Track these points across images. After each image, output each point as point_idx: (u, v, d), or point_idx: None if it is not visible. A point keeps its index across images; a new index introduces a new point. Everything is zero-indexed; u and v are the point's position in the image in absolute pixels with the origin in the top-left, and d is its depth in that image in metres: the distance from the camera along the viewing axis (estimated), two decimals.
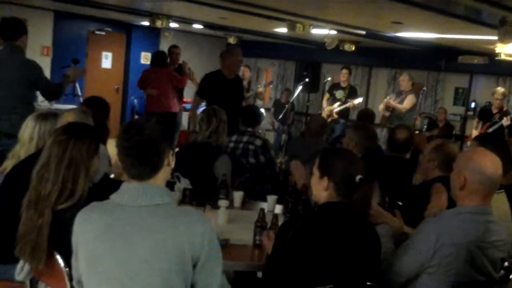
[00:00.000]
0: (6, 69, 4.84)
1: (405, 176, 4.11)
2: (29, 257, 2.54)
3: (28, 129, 3.30)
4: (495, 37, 5.93)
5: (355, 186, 2.48)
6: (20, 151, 3.28)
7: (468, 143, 8.60)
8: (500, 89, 8.72)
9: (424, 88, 10.40)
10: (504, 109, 8.40)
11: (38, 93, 5.29)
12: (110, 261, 2.03)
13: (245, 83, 9.84)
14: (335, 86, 9.96)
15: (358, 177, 2.47)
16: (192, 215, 2.13)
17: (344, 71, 9.82)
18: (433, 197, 3.18)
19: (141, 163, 2.09)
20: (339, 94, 9.67)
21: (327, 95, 9.92)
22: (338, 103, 9.58)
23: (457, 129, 10.86)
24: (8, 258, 2.68)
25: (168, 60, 8.57)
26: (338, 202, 2.50)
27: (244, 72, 10.27)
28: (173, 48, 8.77)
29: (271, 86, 12.69)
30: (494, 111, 8.43)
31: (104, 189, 2.16)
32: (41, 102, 6.48)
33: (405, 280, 2.58)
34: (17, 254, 2.57)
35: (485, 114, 8.66)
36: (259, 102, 11.43)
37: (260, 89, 10.11)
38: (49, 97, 5.39)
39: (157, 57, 8.49)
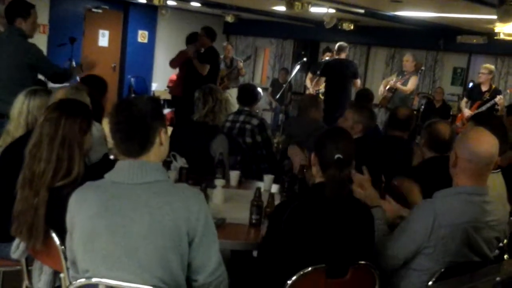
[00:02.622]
0: (4, 53, 4.79)
1: (404, 156, 4.11)
2: (26, 237, 2.54)
3: (18, 104, 3.30)
4: (494, 16, 5.89)
5: (331, 164, 2.46)
6: (10, 126, 3.28)
7: (458, 123, 8.50)
8: (489, 65, 8.56)
9: (423, 68, 10.36)
10: (493, 87, 8.29)
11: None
12: (107, 239, 2.03)
13: (227, 60, 9.70)
14: (319, 64, 9.78)
15: (336, 156, 2.47)
16: (188, 192, 2.13)
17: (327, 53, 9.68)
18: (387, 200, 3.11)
19: (129, 138, 2.08)
20: None
21: (310, 75, 9.69)
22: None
23: (455, 109, 10.84)
24: (3, 236, 2.68)
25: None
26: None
27: (228, 49, 10.03)
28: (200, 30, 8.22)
29: (249, 60, 12.46)
30: (484, 89, 8.30)
31: (103, 169, 2.15)
32: None
33: (403, 261, 2.58)
34: (13, 233, 2.57)
35: (474, 93, 8.53)
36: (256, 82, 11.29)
37: (240, 64, 9.94)
38: (54, 80, 5.30)
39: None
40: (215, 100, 4.27)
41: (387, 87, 8.60)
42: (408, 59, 8.73)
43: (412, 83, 8.52)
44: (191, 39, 8.06)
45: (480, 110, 8.00)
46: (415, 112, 8.32)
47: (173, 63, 8.12)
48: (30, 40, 5.02)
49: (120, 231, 2.02)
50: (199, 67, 7.56)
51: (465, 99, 8.65)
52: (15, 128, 3.24)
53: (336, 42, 8.74)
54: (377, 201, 2.89)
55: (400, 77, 8.63)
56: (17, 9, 4.91)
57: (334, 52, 8.63)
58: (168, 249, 2.02)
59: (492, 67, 8.50)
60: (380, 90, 8.74)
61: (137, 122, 2.08)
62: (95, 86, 4.09)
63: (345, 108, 6.00)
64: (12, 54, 4.79)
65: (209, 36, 7.87)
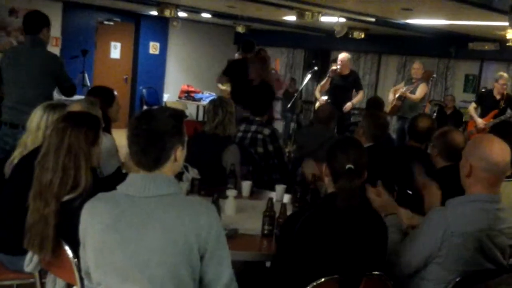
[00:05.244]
0: (28, 63, 4.81)
1: (422, 166, 4.05)
2: (37, 249, 2.55)
3: (36, 118, 3.31)
4: (506, 23, 5.87)
5: (342, 174, 2.45)
6: (27, 139, 3.29)
7: (470, 130, 8.37)
8: (506, 74, 8.41)
9: (434, 75, 10.31)
10: (505, 93, 8.15)
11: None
12: (118, 252, 2.03)
13: None
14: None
15: (347, 166, 2.46)
16: (198, 206, 2.12)
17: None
18: (425, 195, 3.12)
19: (144, 153, 2.08)
20: None
21: (319, 87, 9.56)
22: None
23: (467, 116, 10.77)
24: (17, 249, 2.70)
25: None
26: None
27: None
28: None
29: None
30: (498, 97, 8.16)
31: (116, 182, 2.15)
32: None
33: (414, 270, 2.56)
34: (26, 245, 2.58)
35: (486, 99, 8.36)
36: None
37: None
38: (66, 93, 5.23)
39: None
40: (225, 113, 4.27)
41: (397, 95, 8.55)
42: (419, 67, 8.67)
43: (421, 91, 8.47)
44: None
45: (497, 119, 7.84)
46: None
47: None
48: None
49: (131, 245, 2.02)
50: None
51: (473, 105, 8.48)
52: (32, 142, 3.25)
53: (347, 51, 8.72)
54: (393, 209, 2.88)
55: (409, 85, 8.57)
56: (42, 19, 4.95)
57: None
58: (179, 263, 2.01)
59: (507, 75, 8.39)
60: (389, 98, 8.70)
61: (154, 138, 2.07)
62: (101, 96, 4.11)
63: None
64: (38, 66, 4.80)
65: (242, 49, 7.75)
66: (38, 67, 4.80)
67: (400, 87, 8.76)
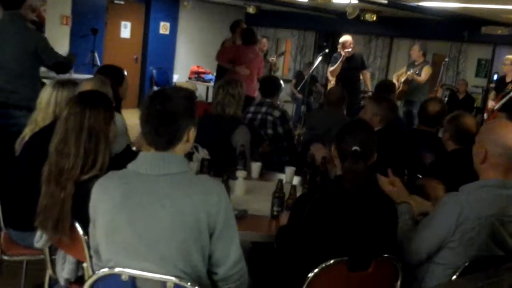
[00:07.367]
0: (8, 39, 4.75)
1: (433, 150, 4.04)
2: (52, 230, 2.54)
3: (46, 95, 3.31)
4: None
5: (349, 156, 2.46)
6: (38, 116, 3.30)
7: (485, 114, 8.41)
8: (510, 56, 8.41)
9: (446, 59, 10.23)
10: None
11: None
12: (128, 231, 2.03)
13: (262, 54, 9.65)
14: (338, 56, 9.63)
15: (353, 148, 2.46)
16: (208, 184, 2.12)
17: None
18: (432, 194, 3.11)
19: (157, 133, 2.08)
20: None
21: (330, 67, 9.44)
22: None
23: (479, 101, 10.71)
24: (28, 226, 2.70)
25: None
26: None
27: (263, 43, 10.07)
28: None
29: (283, 56, 12.45)
30: (508, 80, 8.18)
31: (126, 160, 2.15)
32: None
33: (426, 255, 2.56)
34: (39, 226, 2.58)
35: (499, 84, 8.43)
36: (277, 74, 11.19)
37: (272, 58, 9.94)
38: (57, 69, 5.15)
39: (250, 34, 7.78)
40: (225, 93, 4.27)
41: (402, 79, 8.51)
42: (415, 49, 8.67)
43: (425, 73, 8.42)
44: (254, 36, 7.87)
45: (501, 102, 7.88)
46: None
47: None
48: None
49: (140, 223, 2.02)
50: None
51: (494, 92, 8.55)
52: (42, 119, 3.26)
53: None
54: (406, 198, 2.87)
55: (411, 69, 8.53)
56: None
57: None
58: (188, 241, 2.02)
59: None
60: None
61: (168, 119, 2.08)
62: (112, 76, 4.09)
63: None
64: (17, 41, 4.74)
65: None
66: (17, 44, 4.74)
67: (402, 72, 8.71)
